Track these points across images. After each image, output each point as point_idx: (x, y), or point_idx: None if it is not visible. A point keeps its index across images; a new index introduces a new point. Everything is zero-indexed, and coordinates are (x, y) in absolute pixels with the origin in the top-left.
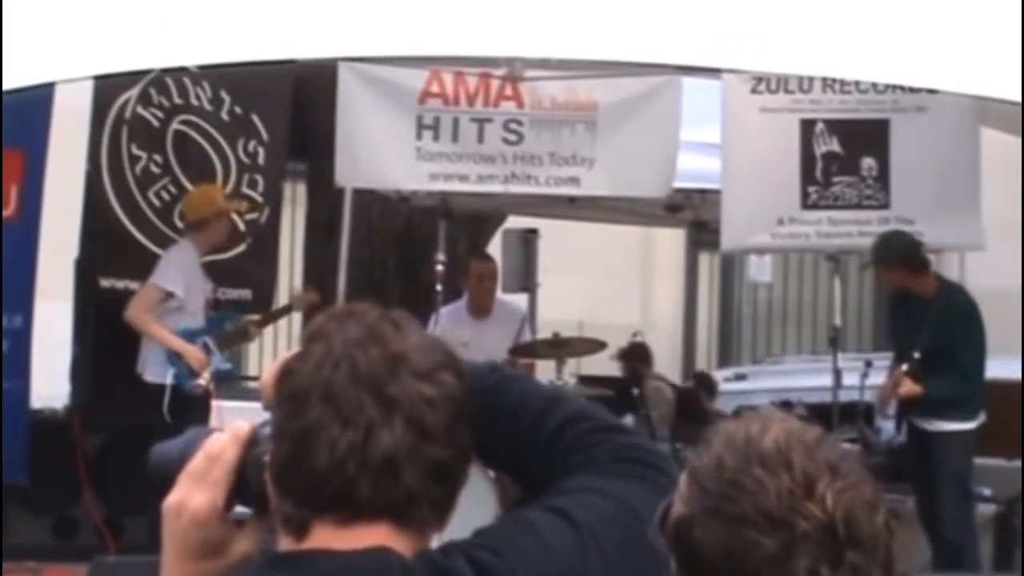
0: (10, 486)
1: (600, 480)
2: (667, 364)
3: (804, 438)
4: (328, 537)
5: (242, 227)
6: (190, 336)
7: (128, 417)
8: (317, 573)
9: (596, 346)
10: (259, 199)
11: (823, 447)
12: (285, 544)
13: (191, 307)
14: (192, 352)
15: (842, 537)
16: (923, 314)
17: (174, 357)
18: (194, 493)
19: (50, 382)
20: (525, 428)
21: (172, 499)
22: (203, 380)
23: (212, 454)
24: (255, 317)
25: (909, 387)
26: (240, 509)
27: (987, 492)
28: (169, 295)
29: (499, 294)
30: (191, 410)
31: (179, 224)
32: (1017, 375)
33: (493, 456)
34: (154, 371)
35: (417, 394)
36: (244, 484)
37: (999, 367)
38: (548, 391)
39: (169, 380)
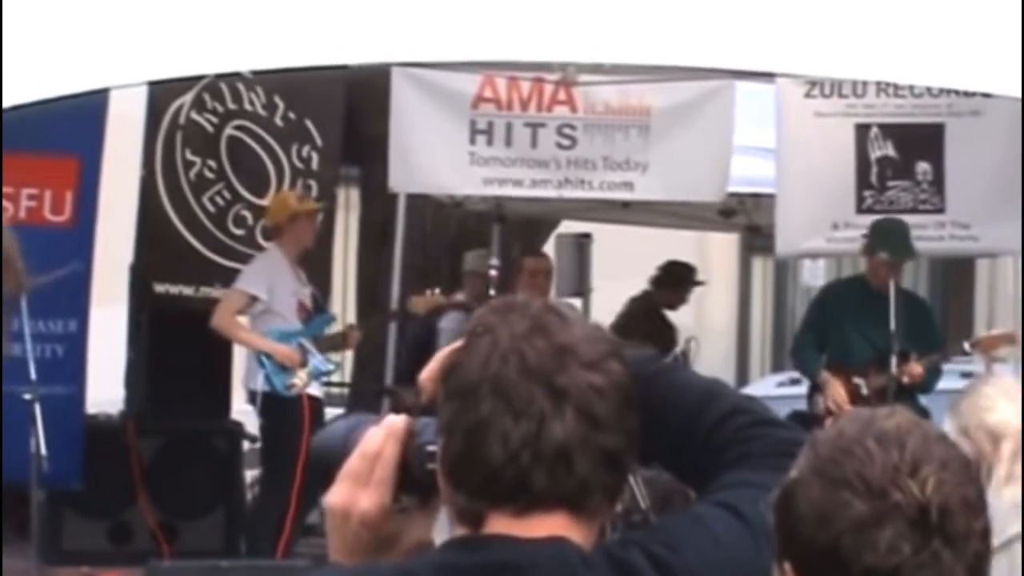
0: (65, 491)
1: (760, 475)
2: (721, 369)
3: (926, 430)
4: (505, 527)
5: None
6: (283, 337)
7: (183, 422)
8: (498, 557)
9: (652, 357)
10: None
11: (941, 444)
12: (459, 532)
13: (279, 309)
14: (282, 350)
15: (933, 523)
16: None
17: (263, 358)
18: (360, 495)
19: (105, 387)
20: (682, 418)
21: (336, 501)
22: (298, 380)
23: (370, 453)
24: (352, 324)
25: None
26: None
27: None
28: (253, 299)
29: (553, 296)
30: (286, 414)
31: (234, 229)
32: None
33: (646, 446)
34: (255, 379)
35: (586, 384)
36: (407, 476)
37: None
38: (705, 383)
39: (260, 384)
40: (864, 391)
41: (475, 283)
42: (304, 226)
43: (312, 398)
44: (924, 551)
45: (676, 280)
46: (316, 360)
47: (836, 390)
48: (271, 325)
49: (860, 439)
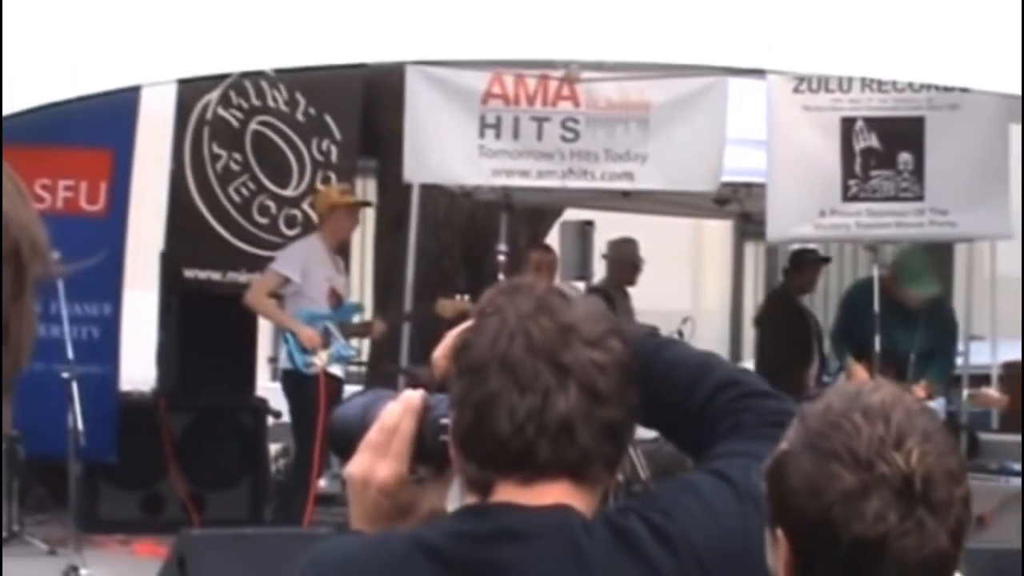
0: (101, 464)
1: (751, 444)
2: (715, 346)
3: (909, 404)
4: (512, 494)
5: None
6: (311, 319)
7: (211, 399)
8: (505, 523)
9: (651, 333)
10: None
11: (923, 416)
12: (469, 500)
13: (310, 293)
14: (304, 330)
15: (917, 493)
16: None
17: (288, 336)
18: (378, 465)
19: (138, 367)
20: (679, 391)
21: (356, 471)
22: (318, 360)
23: (389, 426)
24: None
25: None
26: None
27: (1016, 467)
28: (286, 280)
29: (557, 282)
30: (304, 390)
31: (259, 218)
32: None
33: (647, 415)
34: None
35: (588, 361)
36: (422, 448)
37: None
38: (700, 357)
39: (283, 360)
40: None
41: (616, 269)
42: (343, 217)
43: (332, 377)
44: (909, 519)
45: (804, 264)
46: (339, 344)
47: (859, 375)
48: (301, 306)
49: (847, 413)
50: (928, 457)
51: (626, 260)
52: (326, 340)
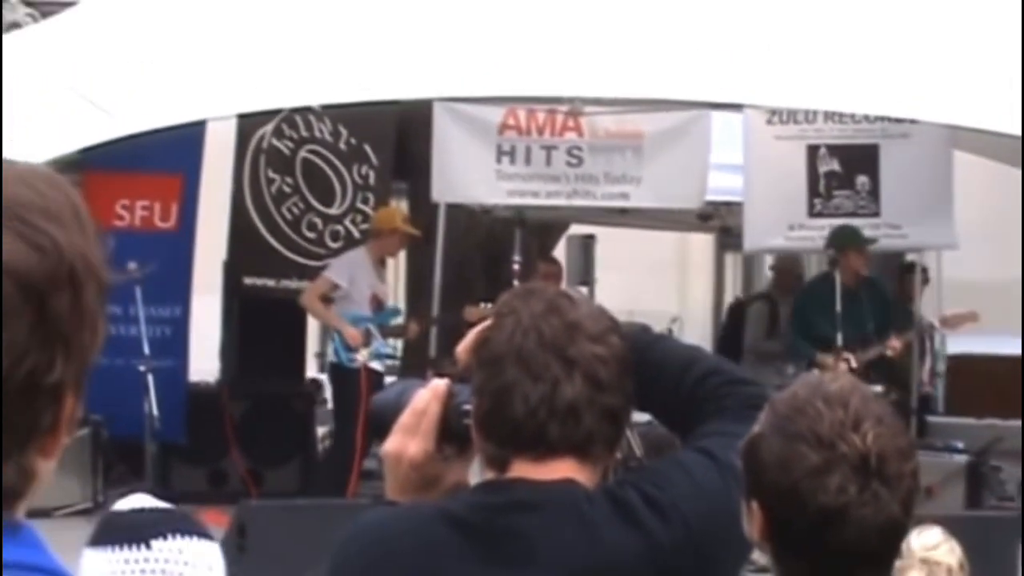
0: (172, 444)
1: (732, 425)
2: (700, 342)
3: (864, 391)
4: (525, 470)
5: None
6: (355, 320)
7: (267, 389)
8: (519, 495)
9: (644, 329)
10: (371, 212)
11: (877, 403)
12: (488, 476)
13: (357, 298)
14: (348, 330)
15: (872, 468)
16: (857, 297)
17: (335, 335)
18: (409, 443)
19: (204, 360)
20: (669, 379)
21: (391, 448)
22: (361, 356)
23: (418, 410)
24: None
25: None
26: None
27: (960, 445)
28: (336, 286)
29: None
30: (346, 382)
31: (307, 233)
32: (978, 351)
33: (642, 400)
34: (328, 351)
35: (591, 354)
36: (447, 429)
37: (967, 344)
38: (688, 350)
39: (330, 355)
40: (853, 365)
41: (780, 279)
42: (397, 241)
43: (372, 371)
44: (866, 491)
45: (910, 273)
46: (378, 343)
47: (834, 367)
48: (347, 309)
49: (811, 400)
50: (881, 438)
51: (789, 271)
52: (367, 339)
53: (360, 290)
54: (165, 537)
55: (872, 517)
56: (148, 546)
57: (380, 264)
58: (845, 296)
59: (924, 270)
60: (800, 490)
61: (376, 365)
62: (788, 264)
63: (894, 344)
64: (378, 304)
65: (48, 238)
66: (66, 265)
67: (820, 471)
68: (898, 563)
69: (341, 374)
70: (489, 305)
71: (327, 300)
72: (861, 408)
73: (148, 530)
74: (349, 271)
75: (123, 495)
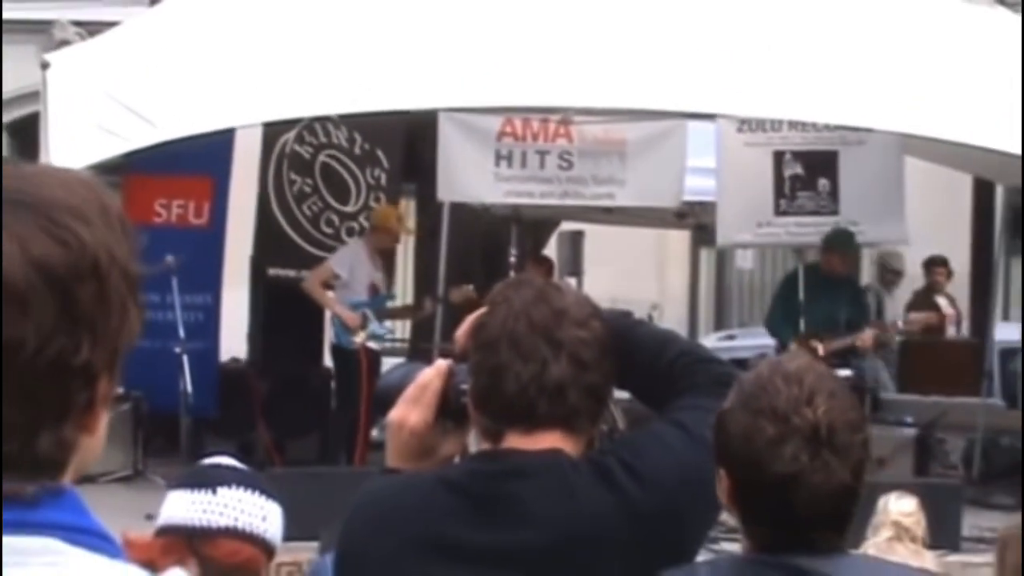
0: (205, 418)
1: (703, 399)
2: (677, 328)
3: (819, 370)
4: (517, 441)
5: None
6: (353, 305)
7: (289, 369)
8: (512, 464)
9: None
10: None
11: (830, 380)
12: (484, 447)
13: (355, 286)
14: (347, 314)
15: (823, 439)
16: (839, 291)
17: (336, 319)
18: (411, 413)
19: (233, 343)
20: (647, 359)
21: (395, 417)
22: (359, 338)
23: (422, 384)
24: (409, 304)
25: (868, 337)
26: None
27: (909, 420)
28: (336, 275)
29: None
30: (347, 361)
31: (325, 228)
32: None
33: (622, 378)
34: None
35: (576, 337)
36: (446, 404)
37: None
38: (663, 333)
39: (332, 337)
40: (820, 352)
41: (883, 273)
42: (390, 236)
43: (370, 351)
44: (817, 459)
45: (941, 268)
46: (374, 325)
47: (801, 352)
48: (346, 296)
49: (772, 378)
50: (832, 411)
51: (891, 267)
52: (364, 322)
53: (358, 278)
54: (229, 487)
55: (824, 483)
56: (214, 491)
57: (377, 255)
58: (825, 289)
59: (945, 262)
60: (760, 459)
61: (373, 345)
62: (892, 261)
63: (865, 337)
64: (374, 291)
65: (72, 234)
66: (89, 258)
67: (776, 442)
68: (874, 520)
69: (342, 354)
70: (471, 287)
71: (328, 287)
72: (815, 384)
73: (217, 480)
74: (349, 261)
75: (160, 464)
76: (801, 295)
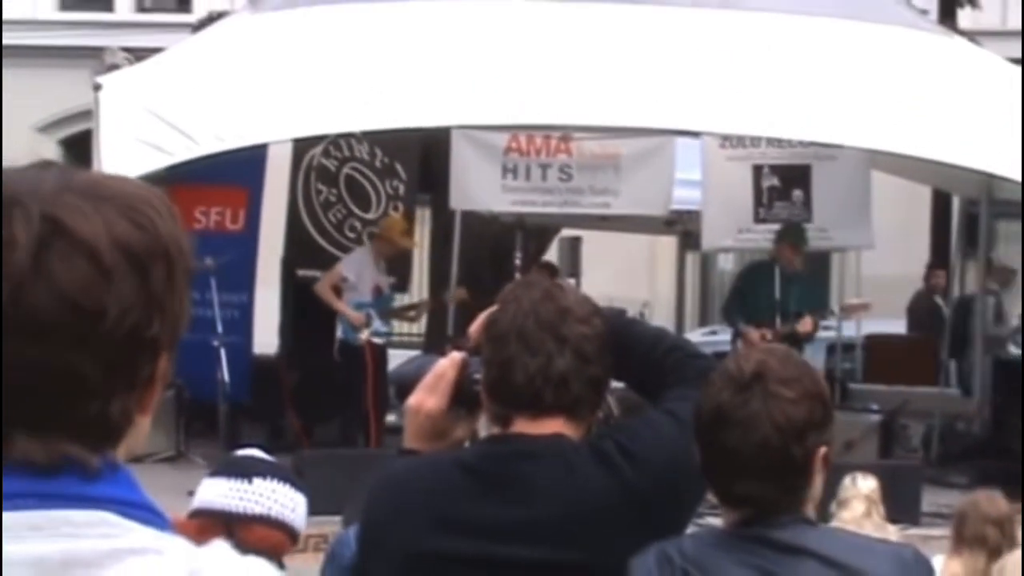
0: (240, 405)
1: (691, 390)
2: (665, 324)
3: (777, 352)
4: (524, 427)
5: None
6: (358, 306)
7: (315, 362)
8: (519, 447)
9: (620, 313)
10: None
11: (787, 355)
12: (494, 431)
13: (361, 288)
14: (352, 314)
15: (745, 381)
16: (792, 283)
17: (343, 318)
18: (428, 399)
19: (265, 337)
20: (641, 353)
21: (413, 402)
22: (363, 335)
23: (438, 373)
24: (413, 303)
25: (808, 324)
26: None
27: (875, 407)
28: (344, 278)
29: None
30: (354, 355)
31: (349, 234)
32: (891, 331)
33: (618, 371)
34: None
35: (579, 333)
36: (460, 392)
37: (882, 326)
38: (655, 330)
39: (340, 334)
40: (769, 338)
41: (999, 274)
42: (391, 246)
43: (375, 346)
44: (739, 396)
45: (940, 271)
46: (376, 324)
47: (750, 338)
48: (353, 297)
49: (735, 360)
50: (765, 364)
51: (1000, 266)
52: (369, 321)
53: (364, 281)
54: (264, 477)
55: (747, 421)
56: (250, 481)
57: (382, 260)
58: (776, 281)
59: (944, 266)
60: (699, 410)
61: (376, 340)
62: (996, 260)
63: (805, 323)
64: (378, 293)
65: (149, 220)
66: (162, 244)
67: (736, 405)
68: (842, 495)
69: (349, 349)
70: (463, 290)
71: (338, 288)
72: (765, 351)
73: (252, 470)
74: (356, 266)
75: (200, 446)
76: (754, 286)
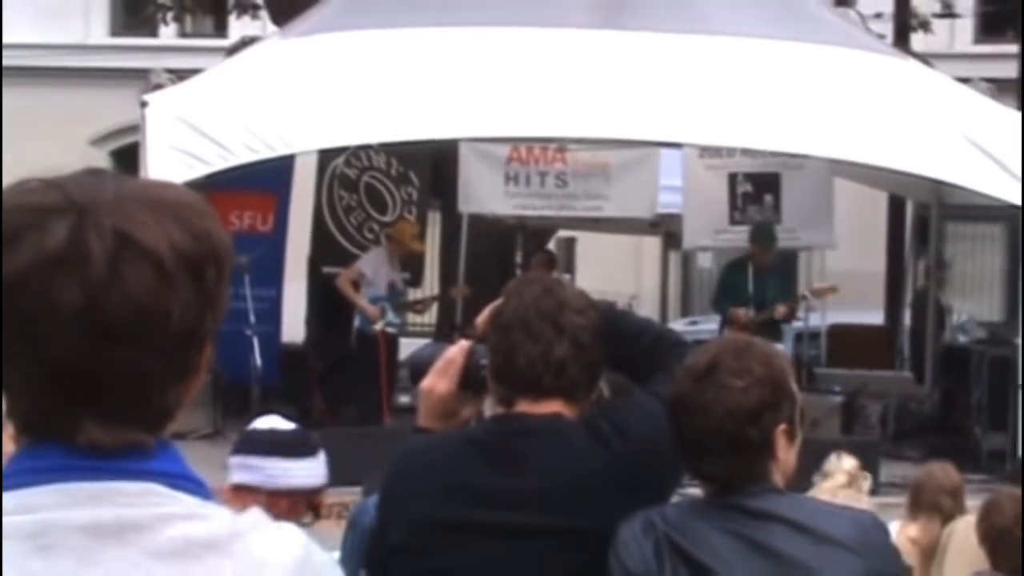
0: (271, 388)
1: None
2: (651, 316)
3: (734, 345)
4: (526, 407)
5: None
6: (374, 300)
7: (338, 350)
8: (522, 425)
9: (611, 305)
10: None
11: (754, 345)
12: (498, 411)
13: (377, 283)
14: (367, 308)
15: (700, 373)
16: (766, 276)
17: (360, 311)
18: (439, 382)
19: (294, 327)
20: (630, 341)
21: (426, 385)
22: (378, 326)
23: (448, 359)
24: (421, 298)
25: (783, 310)
26: None
27: (837, 389)
28: (363, 274)
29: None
30: (370, 344)
31: (367, 235)
32: (851, 320)
33: (612, 359)
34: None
35: (576, 324)
36: (468, 376)
37: (843, 316)
38: (643, 320)
39: (357, 324)
40: (752, 315)
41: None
42: (401, 247)
43: (388, 335)
44: (698, 385)
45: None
46: (390, 315)
47: (737, 316)
48: (370, 291)
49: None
50: (722, 354)
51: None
52: (383, 313)
53: (380, 277)
54: (270, 456)
55: (706, 407)
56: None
57: (396, 259)
58: (756, 275)
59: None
60: (671, 406)
61: (390, 330)
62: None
63: (780, 310)
64: (392, 288)
65: (202, 227)
66: (213, 248)
67: (680, 382)
68: (826, 468)
69: (365, 338)
70: (464, 286)
71: (356, 283)
72: (722, 345)
73: (265, 450)
74: (373, 264)
75: (235, 426)
76: (734, 280)
